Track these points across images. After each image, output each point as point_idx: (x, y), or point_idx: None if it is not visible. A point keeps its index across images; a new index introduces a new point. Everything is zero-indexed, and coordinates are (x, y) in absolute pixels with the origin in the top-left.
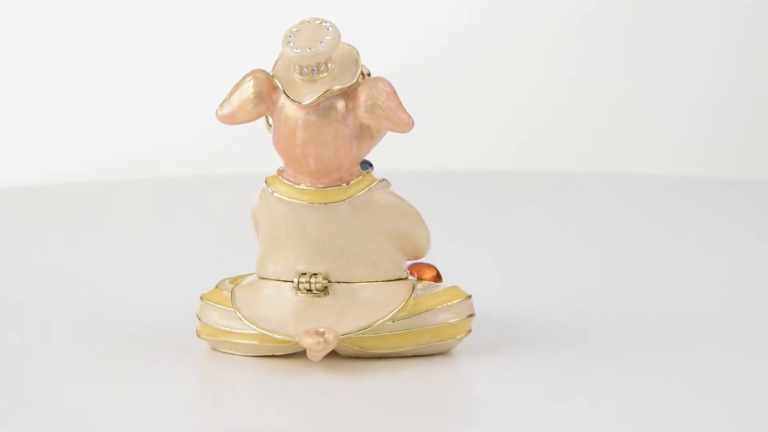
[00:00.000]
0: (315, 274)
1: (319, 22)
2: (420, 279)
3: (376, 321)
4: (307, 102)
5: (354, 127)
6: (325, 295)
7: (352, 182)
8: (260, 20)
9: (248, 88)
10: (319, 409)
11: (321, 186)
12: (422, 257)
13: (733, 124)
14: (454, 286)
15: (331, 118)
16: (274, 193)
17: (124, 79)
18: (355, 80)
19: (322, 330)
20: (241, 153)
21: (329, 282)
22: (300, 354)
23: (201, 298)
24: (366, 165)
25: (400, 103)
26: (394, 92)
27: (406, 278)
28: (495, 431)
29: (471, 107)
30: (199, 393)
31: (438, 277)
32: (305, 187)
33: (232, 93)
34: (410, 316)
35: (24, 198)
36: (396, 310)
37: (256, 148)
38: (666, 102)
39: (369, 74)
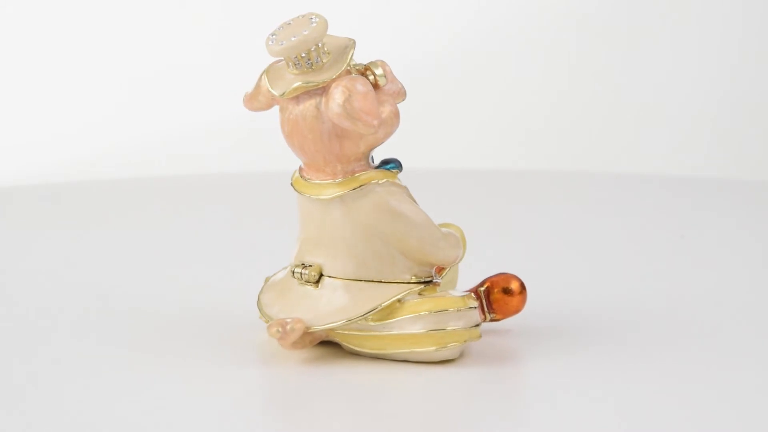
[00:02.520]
0: (310, 266)
1: (311, 17)
2: (503, 289)
3: (347, 319)
4: (278, 93)
5: (331, 124)
6: (316, 287)
7: (345, 179)
8: (260, 20)
9: (262, 78)
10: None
11: (319, 180)
12: (445, 265)
13: (733, 124)
14: (460, 296)
15: (308, 113)
16: (292, 184)
17: (125, 79)
18: (330, 77)
19: (287, 321)
20: (241, 153)
21: (321, 275)
22: (325, 344)
23: (264, 282)
24: (387, 164)
25: (368, 106)
26: (365, 94)
27: (409, 282)
28: None
29: (471, 107)
30: (199, 392)
31: (522, 289)
32: (308, 180)
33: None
34: (392, 319)
35: (25, 197)
36: (368, 312)
37: (257, 148)
38: (666, 102)
39: (381, 75)
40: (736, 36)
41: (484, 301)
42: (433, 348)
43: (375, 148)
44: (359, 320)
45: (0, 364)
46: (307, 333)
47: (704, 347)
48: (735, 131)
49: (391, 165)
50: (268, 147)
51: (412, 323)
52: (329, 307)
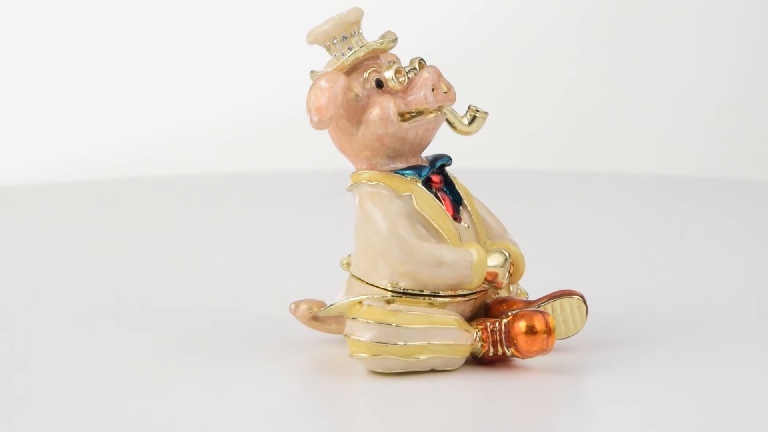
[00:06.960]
0: (349, 255)
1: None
2: (527, 327)
3: (321, 310)
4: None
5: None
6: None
7: (353, 174)
8: (260, 21)
9: None
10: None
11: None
12: (426, 282)
13: (733, 124)
14: (412, 315)
15: None
16: None
17: (126, 79)
18: (328, 69)
19: (305, 301)
20: (241, 153)
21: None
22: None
23: None
24: (411, 168)
25: (318, 101)
26: (323, 89)
27: (382, 288)
28: None
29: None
30: (202, 391)
31: (546, 330)
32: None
33: None
34: (350, 321)
35: (25, 197)
36: (327, 307)
37: (257, 148)
38: (666, 102)
39: (390, 78)
40: (736, 36)
41: (502, 334)
42: (367, 355)
43: (376, 148)
44: (320, 314)
45: (0, 365)
46: (332, 318)
47: (710, 346)
48: (735, 131)
49: (408, 171)
50: (268, 147)
51: (357, 327)
52: (337, 296)
